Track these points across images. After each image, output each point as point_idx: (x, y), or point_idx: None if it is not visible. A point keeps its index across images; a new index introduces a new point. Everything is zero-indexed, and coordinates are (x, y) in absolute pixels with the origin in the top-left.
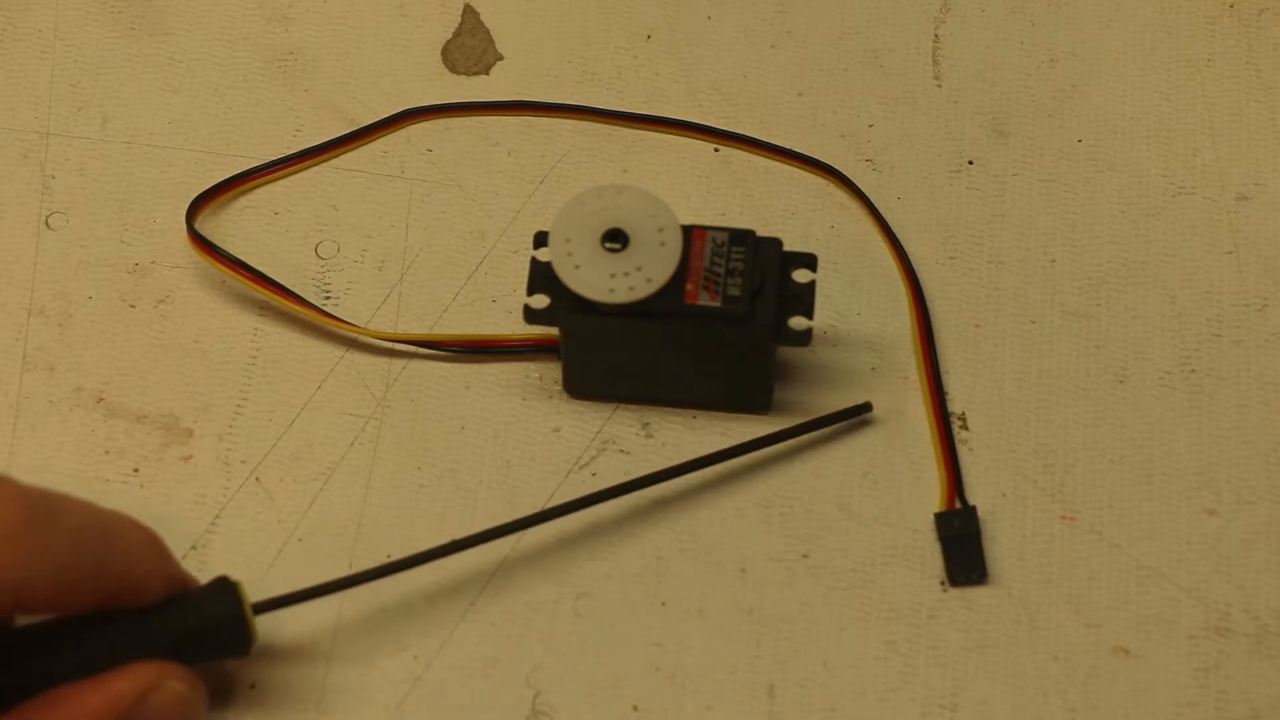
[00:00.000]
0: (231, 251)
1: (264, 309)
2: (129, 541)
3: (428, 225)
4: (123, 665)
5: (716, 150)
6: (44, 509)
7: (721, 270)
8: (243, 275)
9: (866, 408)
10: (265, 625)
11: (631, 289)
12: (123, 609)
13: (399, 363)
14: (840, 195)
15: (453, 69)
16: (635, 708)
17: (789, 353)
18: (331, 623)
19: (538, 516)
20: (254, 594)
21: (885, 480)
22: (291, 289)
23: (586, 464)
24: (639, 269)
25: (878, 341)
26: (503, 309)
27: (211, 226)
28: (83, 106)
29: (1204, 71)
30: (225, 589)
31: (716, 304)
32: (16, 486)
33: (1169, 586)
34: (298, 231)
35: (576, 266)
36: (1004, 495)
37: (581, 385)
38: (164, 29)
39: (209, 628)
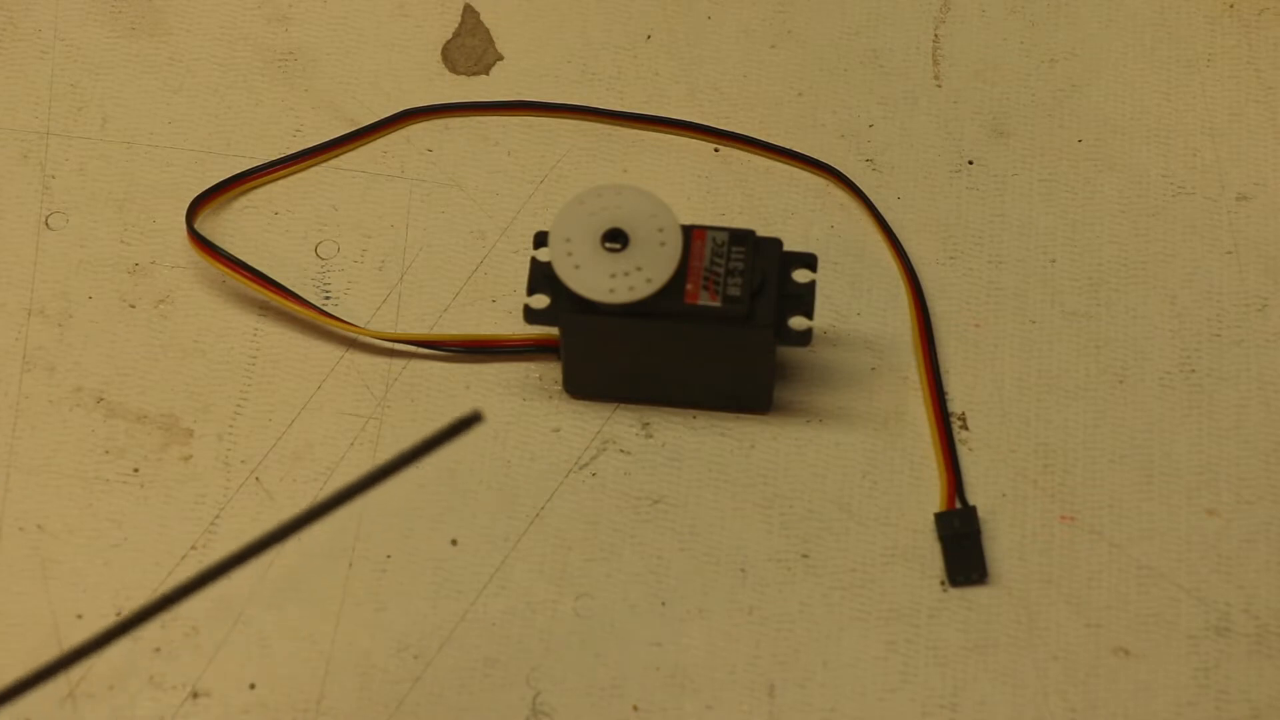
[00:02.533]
0: (231, 251)
1: (264, 309)
2: None
3: (428, 225)
4: None
5: (716, 150)
6: None
7: (721, 270)
8: (243, 275)
9: (476, 418)
10: (266, 623)
11: (631, 289)
12: None
13: (399, 363)
14: (840, 195)
15: (453, 69)
16: (635, 708)
17: (789, 353)
18: (332, 623)
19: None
20: (256, 599)
21: (885, 480)
22: (291, 289)
23: (586, 464)
24: (639, 269)
25: (878, 341)
26: (503, 309)
27: (211, 226)
28: (83, 106)
29: (1204, 71)
30: None
31: (716, 304)
32: None
33: (1169, 586)
34: (298, 231)
35: (576, 266)
36: (1004, 495)
37: (581, 385)
38: (164, 29)
39: None
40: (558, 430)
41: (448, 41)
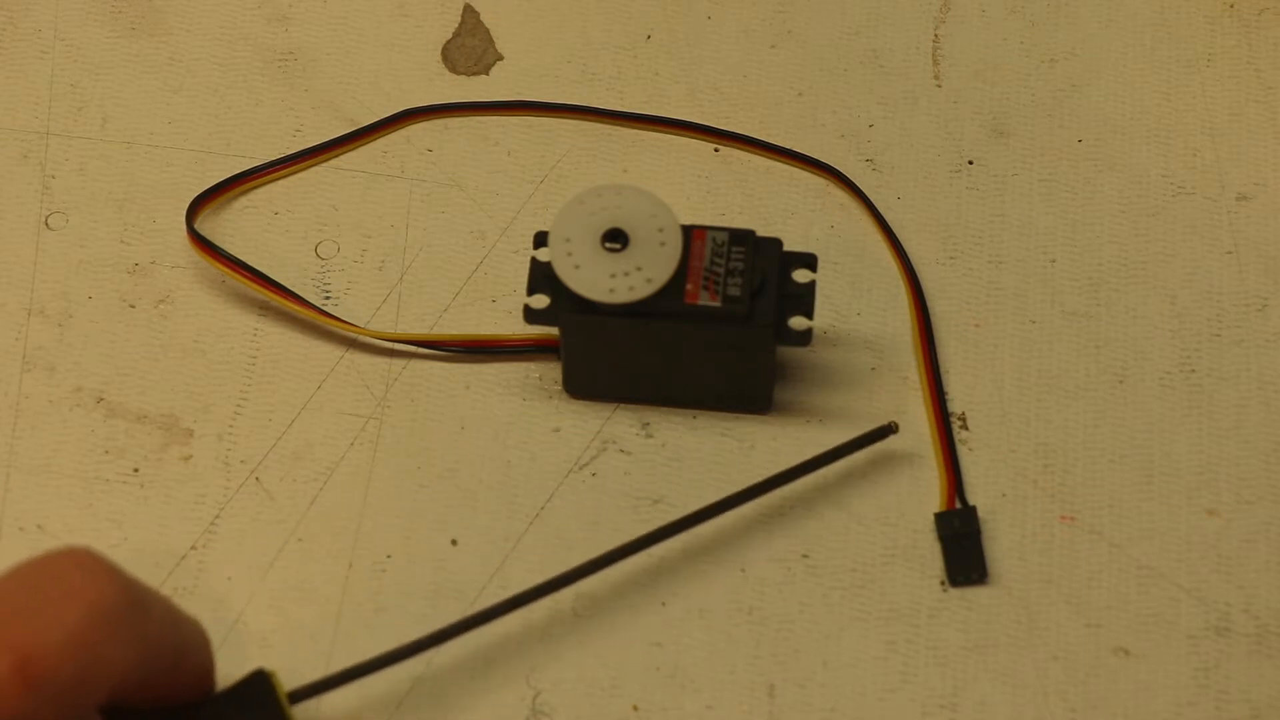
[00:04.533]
0: (231, 251)
1: (264, 309)
2: (194, 632)
3: (428, 225)
4: None
5: (716, 150)
6: (136, 590)
7: (721, 270)
8: (243, 275)
9: (891, 429)
10: (267, 623)
11: (631, 289)
12: (163, 708)
13: (399, 363)
14: (840, 195)
15: (453, 69)
16: (635, 708)
17: (789, 353)
18: (331, 623)
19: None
20: (256, 599)
21: (885, 480)
22: (291, 289)
23: (586, 464)
24: (639, 269)
25: (878, 341)
26: (503, 309)
27: (211, 226)
28: (83, 106)
29: (1204, 71)
30: (262, 685)
31: (716, 304)
32: (108, 563)
33: (1169, 586)
34: (298, 231)
35: (576, 266)
36: (1004, 495)
37: (581, 385)
38: (164, 29)
39: None
40: (558, 430)
41: (448, 41)
